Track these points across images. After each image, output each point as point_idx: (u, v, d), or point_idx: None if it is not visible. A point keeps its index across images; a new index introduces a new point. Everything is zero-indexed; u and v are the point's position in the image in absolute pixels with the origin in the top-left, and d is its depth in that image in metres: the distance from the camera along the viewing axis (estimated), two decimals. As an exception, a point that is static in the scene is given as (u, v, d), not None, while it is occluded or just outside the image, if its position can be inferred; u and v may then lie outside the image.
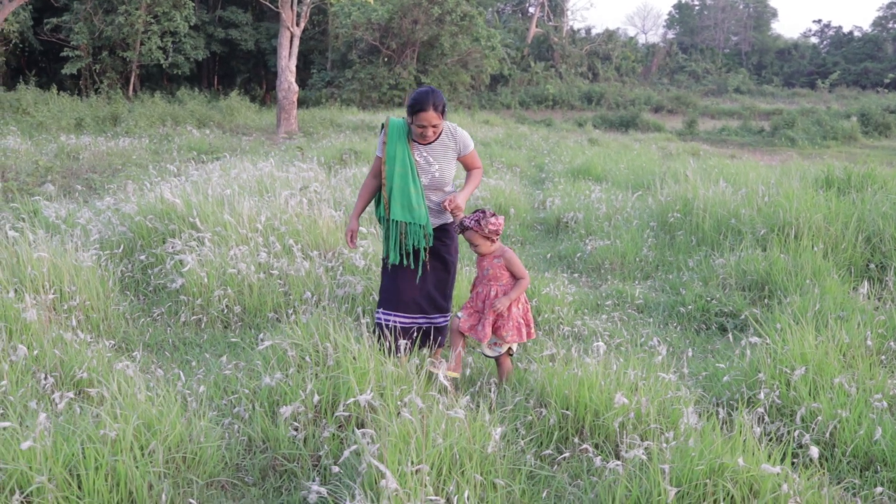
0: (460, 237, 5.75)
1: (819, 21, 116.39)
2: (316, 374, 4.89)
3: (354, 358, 4.91)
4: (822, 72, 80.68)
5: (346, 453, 3.96)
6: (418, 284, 5.50)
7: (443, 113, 5.22)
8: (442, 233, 5.54)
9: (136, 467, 3.80)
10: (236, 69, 51.96)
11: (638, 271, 9.03)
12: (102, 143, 19.42)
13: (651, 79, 77.64)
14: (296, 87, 28.43)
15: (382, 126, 5.48)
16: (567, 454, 4.40)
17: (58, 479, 3.60)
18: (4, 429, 3.76)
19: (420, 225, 5.36)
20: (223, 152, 19.17)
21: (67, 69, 39.71)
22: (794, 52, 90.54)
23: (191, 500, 3.93)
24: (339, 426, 4.60)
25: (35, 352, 5.13)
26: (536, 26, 69.54)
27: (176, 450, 4.11)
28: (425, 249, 5.45)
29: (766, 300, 7.70)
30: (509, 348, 5.52)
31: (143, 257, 7.61)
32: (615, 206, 11.34)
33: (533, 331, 5.60)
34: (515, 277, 5.48)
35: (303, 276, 7.14)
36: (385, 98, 44.94)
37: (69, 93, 34.26)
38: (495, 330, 5.42)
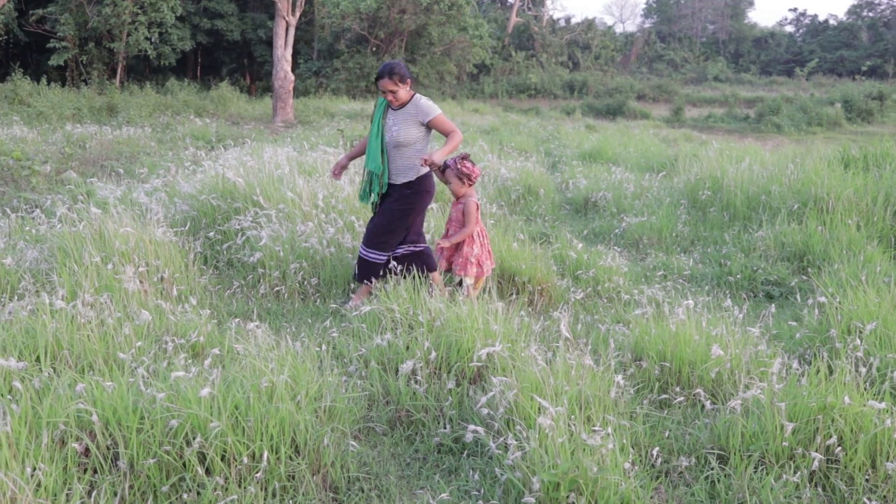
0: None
1: (795, 10, 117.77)
2: (426, 335, 5.16)
3: (459, 318, 5.21)
4: (798, 60, 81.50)
5: (484, 399, 4.25)
6: (385, 223, 6.62)
7: (400, 81, 6.35)
8: (399, 188, 6.60)
9: (294, 413, 4.07)
10: (221, 60, 51.85)
11: (675, 245, 9.36)
12: (108, 133, 19.53)
13: (630, 67, 78.20)
14: (292, 77, 28.58)
15: None
16: (681, 399, 4.72)
17: (225, 424, 3.86)
18: (176, 379, 4.01)
19: (376, 174, 6.58)
20: (227, 140, 19.35)
21: (54, 60, 39.52)
22: (771, 40, 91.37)
23: (351, 443, 4.21)
24: (453, 379, 4.89)
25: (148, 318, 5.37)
26: (517, 16, 69.74)
27: (316, 402, 4.39)
28: (378, 193, 6.64)
29: (807, 269, 8.05)
30: (471, 281, 6.59)
31: (211, 234, 7.85)
32: (642, 185, 11.68)
33: (486, 268, 6.64)
34: (464, 223, 6.53)
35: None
36: (373, 87, 45.02)
37: (59, 84, 34.17)
38: (451, 262, 6.65)
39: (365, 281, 6.67)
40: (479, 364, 4.75)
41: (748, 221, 9.65)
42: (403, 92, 6.41)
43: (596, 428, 3.87)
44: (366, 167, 6.67)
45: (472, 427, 3.99)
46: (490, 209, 10.06)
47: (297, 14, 28.41)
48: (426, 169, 6.55)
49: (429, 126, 6.50)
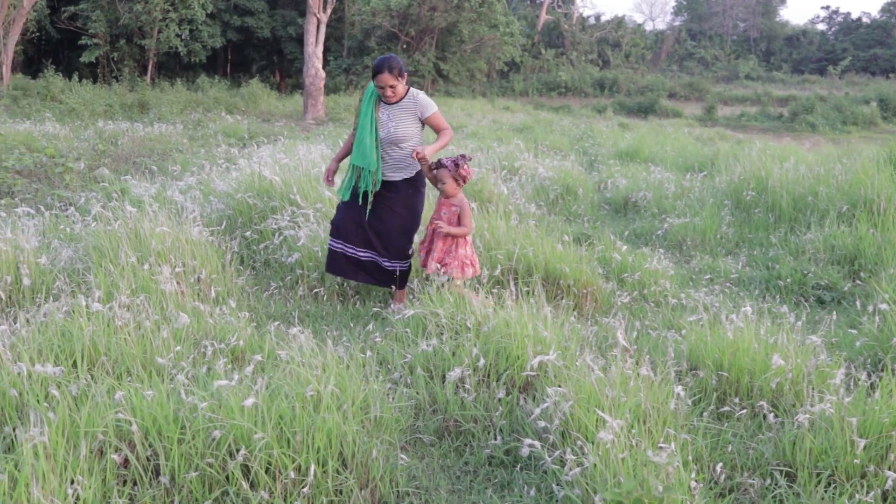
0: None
1: (827, 7, 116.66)
2: (474, 341, 4.98)
3: (507, 324, 5.02)
4: (830, 58, 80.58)
5: (538, 411, 4.06)
6: (367, 222, 6.45)
7: (399, 75, 6.11)
8: (399, 185, 6.43)
9: (341, 424, 3.89)
10: (251, 57, 51.88)
11: (720, 247, 9.13)
12: (140, 129, 19.48)
13: (660, 66, 77.61)
14: (322, 74, 28.51)
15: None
16: (743, 411, 4.50)
17: (270, 436, 3.69)
18: (218, 388, 3.85)
19: (369, 171, 6.30)
20: (259, 137, 19.26)
21: (85, 57, 39.77)
22: (803, 38, 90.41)
23: (401, 456, 4.03)
24: (505, 388, 4.70)
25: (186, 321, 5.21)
26: (547, 13, 69.43)
27: (361, 411, 4.21)
28: (372, 192, 6.36)
29: (859, 273, 7.80)
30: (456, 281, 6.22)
31: (248, 233, 7.70)
32: (683, 185, 11.44)
33: (478, 268, 6.40)
34: (460, 225, 6.24)
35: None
36: (403, 85, 44.91)
37: (91, 81, 34.29)
38: (444, 264, 6.18)
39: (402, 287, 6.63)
40: (532, 374, 4.54)
41: (795, 223, 9.40)
42: (401, 86, 6.22)
43: (662, 445, 3.66)
44: (352, 163, 6.43)
45: (528, 441, 3.79)
46: (529, 209, 9.85)
47: (329, 11, 28.33)
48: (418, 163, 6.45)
49: (424, 122, 6.37)
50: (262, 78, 45.93)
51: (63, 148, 13.94)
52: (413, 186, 6.48)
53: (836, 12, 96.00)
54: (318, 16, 27.41)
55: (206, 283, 6.39)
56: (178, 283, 6.14)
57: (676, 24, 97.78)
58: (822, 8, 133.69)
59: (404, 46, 46.46)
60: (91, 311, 4.80)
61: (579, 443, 3.78)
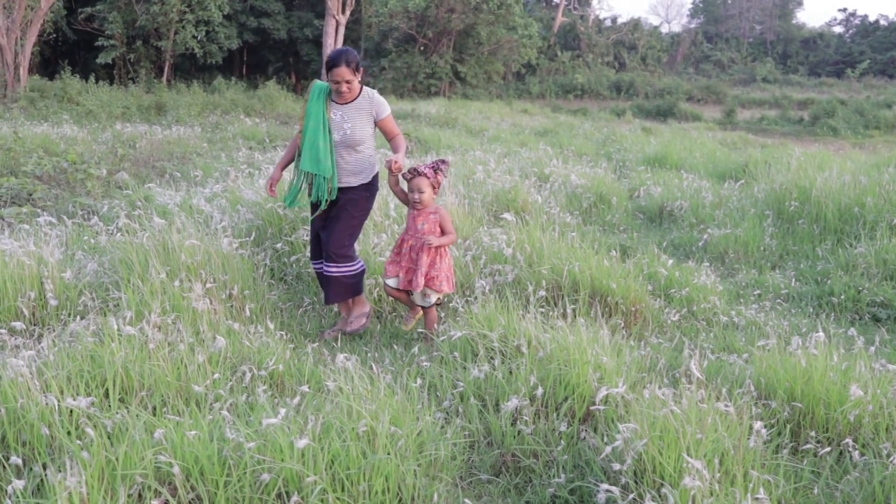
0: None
1: (844, 10, 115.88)
2: (530, 368, 4.66)
3: (565, 349, 4.71)
4: (847, 61, 79.94)
5: (608, 449, 3.74)
6: (322, 234, 5.98)
7: (356, 70, 5.66)
8: (356, 190, 5.93)
9: (399, 465, 3.59)
10: (267, 58, 51.69)
11: (764, 260, 8.80)
12: (158, 132, 19.23)
13: (676, 68, 77.20)
14: (341, 76, 28.20)
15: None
16: (827, 449, 4.16)
17: (324, 479, 3.40)
18: (269, 426, 3.54)
19: (324, 178, 5.78)
20: (279, 140, 18.98)
21: (102, 59, 39.64)
22: (820, 41, 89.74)
23: (466, 500, 3.72)
24: (564, 420, 4.39)
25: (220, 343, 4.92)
26: (563, 15, 69.11)
27: (416, 446, 3.91)
28: (327, 201, 5.86)
29: (915, 290, 7.46)
30: (438, 298, 5.87)
31: (278, 245, 7.40)
32: (720, 194, 11.11)
33: (452, 283, 5.91)
34: (444, 233, 5.78)
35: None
36: (421, 87, 44.74)
37: (108, 82, 34.12)
38: (428, 281, 5.71)
39: (346, 300, 6.12)
40: (603, 407, 4.21)
41: (841, 235, 9.05)
42: (357, 83, 5.73)
43: (759, 497, 3.34)
44: (302, 169, 5.84)
45: (604, 486, 3.46)
46: (564, 219, 9.52)
47: (348, 13, 28.11)
48: (378, 168, 6.12)
49: (377, 124, 5.90)
50: (278, 80, 45.70)
51: (81, 151, 13.68)
52: (369, 190, 6.02)
53: (853, 14, 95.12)
54: (336, 17, 27.18)
55: (239, 299, 6.10)
56: (210, 300, 5.86)
57: (692, 26, 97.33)
58: (839, 10, 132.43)
59: (421, 48, 46.23)
60: (123, 335, 4.50)
61: (663, 490, 3.45)
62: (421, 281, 5.68)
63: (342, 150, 5.80)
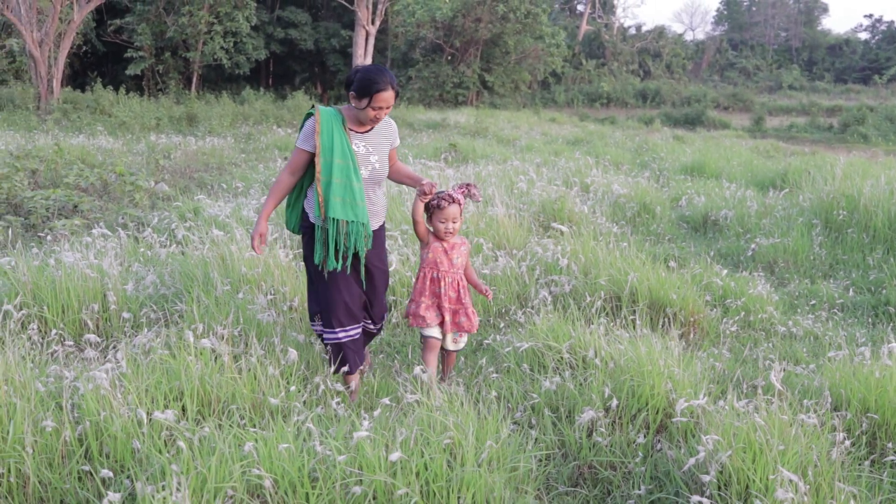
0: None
1: (870, 16, 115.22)
2: (603, 379, 4.66)
3: (635, 360, 4.70)
4: (874, 67, 79.56)
5: (692, 461, 3.73)
6: (358, 291, 4.85)
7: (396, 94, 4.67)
8: (378, 234, 4.93)
9: (487, 478, 3.59)
10: (293, 69, 51.97)
11: (814, 269, 8.74)
12: (192, 143, 19.34)
13: (701, 76, 77.03)
14: (371, 86, 28.32)
15: (308, 115, 4.71)
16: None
17: (416, 492, 3.40)
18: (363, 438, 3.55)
19: (362, 224, 4.62)
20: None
21: (131, 70, 40.04)
22: (846, 47, 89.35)
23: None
24: (640, 431, 4.38)
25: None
26: (587, 24, 69.13)
27: (498, 459, 3.91)
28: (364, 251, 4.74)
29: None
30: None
31: (333, 256, 7.41)
32: (766, 203, 11.06)
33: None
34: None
35: (504, 275, 6.91)
36: (448, 97, 44.83)
37: (137, 93, 34.40)
38: (467, 316, 5.03)
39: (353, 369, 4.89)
40: (684, 419, 4.19)
41: (892, 244, 8.98)
42: None
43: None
44: (334, 217, 4.55)
45: (696, 498, 3.44)
46: (610, 228, 9.50)
47: (377, 23, 28.21)
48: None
49: (390, 153, 4.94)
50: (305, 90, 45.91)
51: (124, 163, 13.78)
52: (384, 232, 5.10)
53: (879, 21, 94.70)
54: (366, 28, 27.31)
55: (300, 311, 6.12)
56: (277, 312, 5.89)
57: (717, 33, 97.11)
58: (865, 16, 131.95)
59: (449, 58, 46.31)
60: (198, 348, 4.52)
61: (756, 502, 3.43)
62: (475, 320, 5.06)
63: (368, 189, 4.76)
